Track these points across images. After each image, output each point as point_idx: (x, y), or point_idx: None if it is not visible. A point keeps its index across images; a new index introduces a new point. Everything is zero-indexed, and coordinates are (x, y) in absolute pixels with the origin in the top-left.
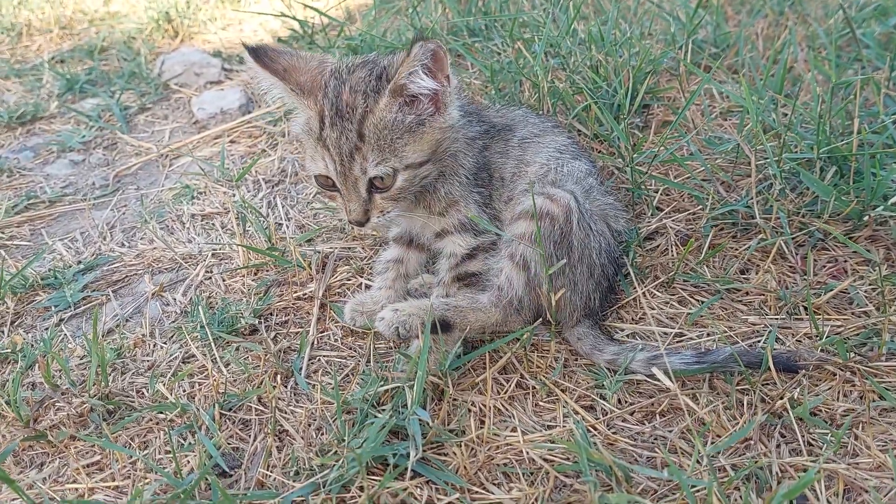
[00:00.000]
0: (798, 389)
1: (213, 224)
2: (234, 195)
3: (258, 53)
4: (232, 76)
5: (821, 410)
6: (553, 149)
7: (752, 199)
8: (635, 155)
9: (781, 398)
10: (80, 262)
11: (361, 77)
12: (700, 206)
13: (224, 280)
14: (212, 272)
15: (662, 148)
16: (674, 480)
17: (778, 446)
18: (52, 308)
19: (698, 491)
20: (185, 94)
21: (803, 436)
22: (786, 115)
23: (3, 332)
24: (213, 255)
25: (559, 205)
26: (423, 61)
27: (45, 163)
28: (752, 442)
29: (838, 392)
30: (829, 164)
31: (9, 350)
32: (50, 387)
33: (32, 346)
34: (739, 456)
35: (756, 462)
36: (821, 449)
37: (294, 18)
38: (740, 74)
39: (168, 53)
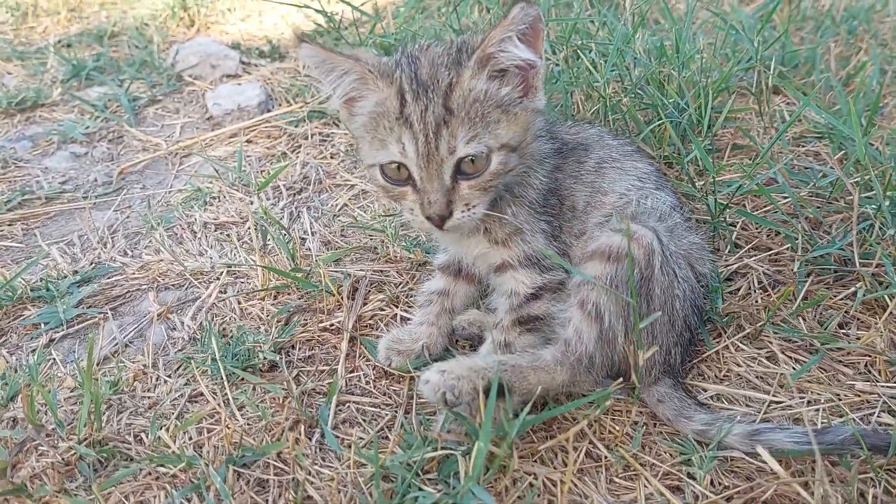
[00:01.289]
0: None
1: (228, 235)
2: (251, 202)
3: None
4: (250, 70)
5: None
6: (634, 176)
7: (851, 241)
8: (716, 181)
9: None
10: (76, 272)
11: (438, 52)
12: (786, 245)
13: (240, 303)
14: (226, 292)
15: (746, 178)
16: None
17: None
18: (42, 326)
19: None
20: (200, 86)
21: None
22: (871, 144)
23: None
24: (227, 272)
25: (640, 245)
26: (520, 27)
27: (43, 154)
28: None
29: None
30: None
31: None
32: (33, 426)
33: (16, 371)
34: None
35: None
36: None
37: (321, 12)
38: (823, 98)
39: (183, 43)
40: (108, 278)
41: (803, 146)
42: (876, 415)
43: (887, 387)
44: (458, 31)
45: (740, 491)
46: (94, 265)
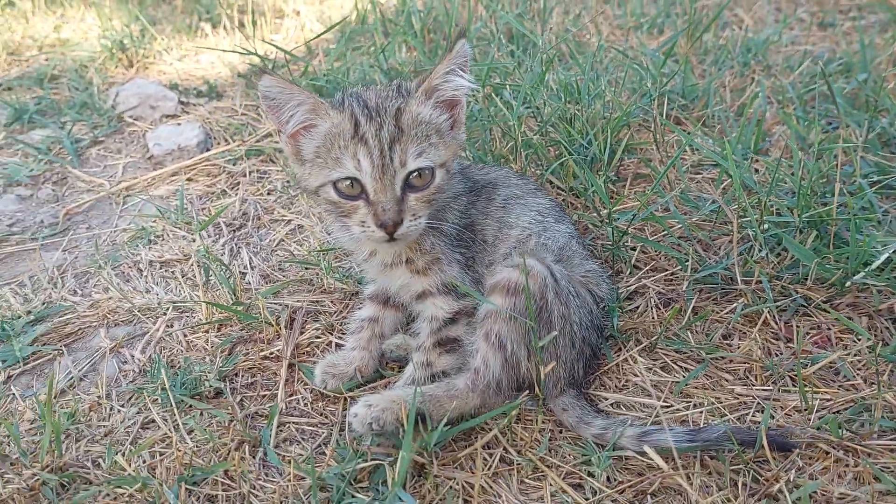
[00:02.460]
0: (793, 471)
1: (172, 272)
2: (194, 240)
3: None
4: (189, 110)
5: (817, 494)
6: (535, 211)
7: (733, 261)
8: (614, 212)
9: (777, 480)
10: (29, 312)
11: (380, 90)
12: (679, 266)
13: (185, 336)
14: (172, 326)
15: (642, 206)
16: None
17: None
18: (0, 364)
19: None
20: (140, 127)
21: None
22: (757, 171)
23: None
24: (173, 307)
25: (535, 279)
26: (462, 60)
27: None
28: None
29: (833, 474)
30: (809, 227)
31: None
32: None
33: None
34: None
35: None
36: None
37: (255, 54)
38: (713, 130)
39: (122, 84)
40: (61, 317)
41: (701, 174)
42: (750, 415)
43: (762, 390)
44: (387, 72)
45: (632, 485)
46: (45, 305)
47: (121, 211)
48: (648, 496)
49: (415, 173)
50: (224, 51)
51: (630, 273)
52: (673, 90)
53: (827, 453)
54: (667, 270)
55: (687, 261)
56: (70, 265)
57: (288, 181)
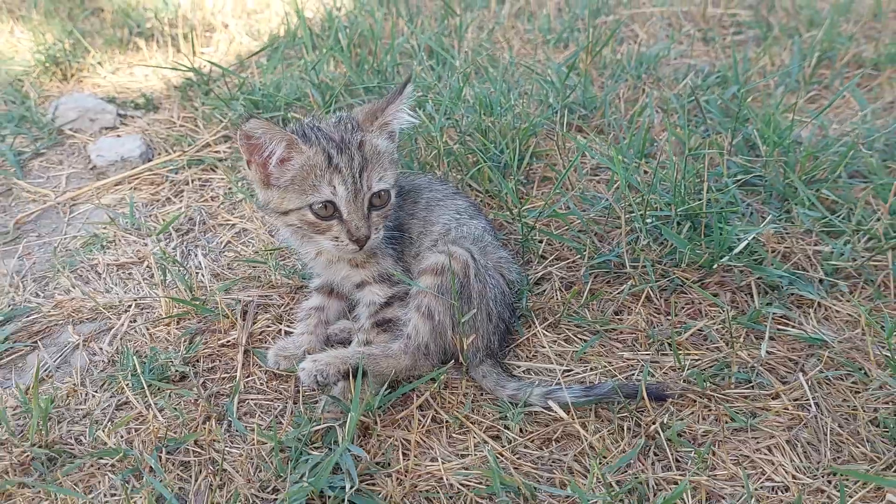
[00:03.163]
0: (667, 415)
1: (130, 274)
2: (146, 244)
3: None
4: (128, 122)
5: (685, 432)
6: (454, 211)
7: (622, 250)
8: (524, 209)
9: (654, 423)
10: None
11: (334, 123)
12: (578, 255)
13: (148, 329)
14: (136, 321)
15: (546, 205)
16: (573, 496)
17: (653, 464)
18: None
19: None
20: (80, 139)
21: (672, 454)
22: (646, 172)
23: None
24: (135, 304)
25: (458, 261)
26: (409, 100)
27: None
28: (632, 461)
29: (698, 416)
30: (684, 219)
31: None
32: None
33: None
34: (623, 473)
35: (636, 478)
36: (687, 465)
37: (191, 69)
38: (608, 136)
39: (59, 97)
40: (27, 317)
41: (598, 175)
42: (635, 375)
43: (645, 354)
44: (317, 85)
45: (540, 434)
46: (10, 307)
47: (69, 219)
48: (553, 442)
49: (377, 195)
50: (162, 67)
51: (538, 262)
52: (575, 101)
53: (694, 401)
54: (568, 259)
55: (585, 250)
56: (28, 270)
57: (230, 188)
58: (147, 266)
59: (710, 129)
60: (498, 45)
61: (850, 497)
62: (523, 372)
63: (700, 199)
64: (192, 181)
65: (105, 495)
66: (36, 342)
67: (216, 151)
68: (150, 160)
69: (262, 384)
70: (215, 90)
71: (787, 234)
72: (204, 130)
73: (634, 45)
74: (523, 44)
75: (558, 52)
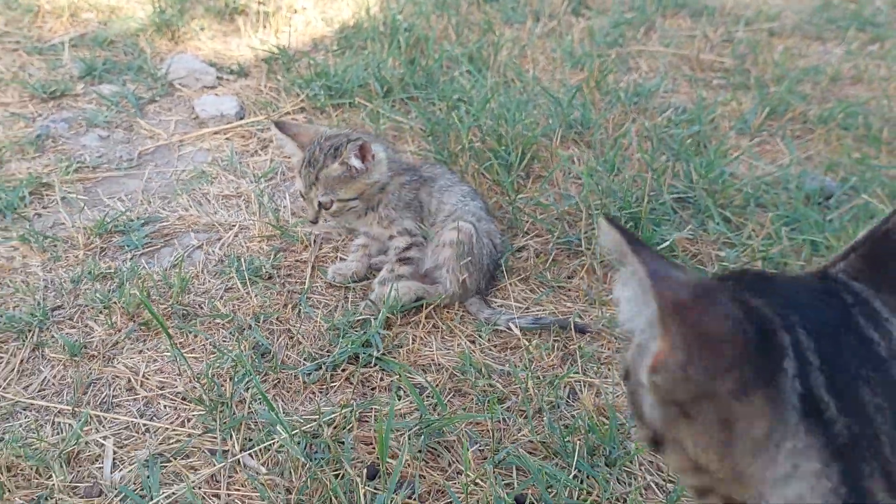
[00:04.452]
0: (584, 343)
1: (231, 202)
2: (240, 183)
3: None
4: (224, 84)
5: (594, 355)
6: (460, 194)
7: (581, 235)
8: (518, 198)
9: (575, 346)
10: (138, 218)
11: (328, 146)
12: (550, 234)
13: (246, 243)
14: (237, 236)
15: (533, 196)
16: (512, 373)
17: (567, 368)
18: (126, 247)
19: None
20: (186, 93)
21: (581, 366)
22: (615, 180)
23: (99, 260)
24: (238, 225)
25: (465, 233)
26: (354, 151)
27: (77, 134)
28: (554, 365)
29: (605, 346)
30: (630, 220)
31: (109, 272)
32: (143, 295)
33: (121, 271)
34: (546, 372)
35: (555, 375)
36: (588, 372)
37: (277, 48)
38: (595, 150)
39: (169, 55)
40: (160, 223)
41: (580, 179)
42: (572, 317)
43: (581, 305)
44: (378, 78)
45: (500, 344)
46: (147, 214)
47: (178, 156)
48: (508, 349)
49: (321, 203)
50: (256, 48)
51: (522, 235)
52: (575, 119)
53: (605, 338)
54: (543, 236)
55: (556, 231)
56: (154, 190)
57: None
58: (244, 199)
59: (670, 157)
60: (526, 60)
61: None
62: (498, 306)
63: (641, 207)
64: (275, 139)
65: (221, 339)
66: (167, 241)
67: (294, 118)
68: (242, 118)
69: (322, 290)
70: (295, 69)
71: (700, 240)
72: (286, 101)
73: (636, 76)
74: (547, 62)
75: (574, 74)
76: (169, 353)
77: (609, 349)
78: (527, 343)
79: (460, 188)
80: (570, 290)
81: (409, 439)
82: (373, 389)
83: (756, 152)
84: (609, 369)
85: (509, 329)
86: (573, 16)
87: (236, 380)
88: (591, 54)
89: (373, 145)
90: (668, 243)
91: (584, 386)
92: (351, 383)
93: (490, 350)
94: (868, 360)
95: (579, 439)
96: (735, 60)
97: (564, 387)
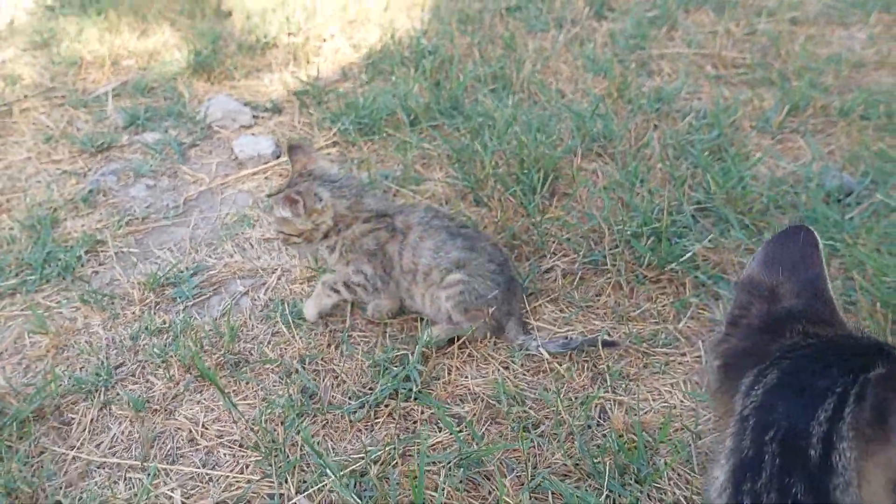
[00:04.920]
0: (612, 361)
1: (272, 245)
2: None
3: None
4: (260, 123)
5: (622, 371)
6: (433, 248)
7: (606, 253)
8: (544, 219)
9: (604, 365)
10: (187, 268)
11: (282, 186)
12: (576, 254)
13: (289, 285)
14: (280, 279)
15: (561, 214)
16: (542, 399)
17: (600, 387)
18: (178, 299)
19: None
20: (224, 135)
21: (610, 383)
22: (638, 193)
23: (154, 315)
24: (280, 269)
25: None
26: (280, 203)
27: (126, 185)
28: (586, 386)
29: (632, 363)
30: (651, 234)
31: (164, 326)
32: (197, 346)
33: (175, 324)
34: (580, 393)
35: (588, 396)
36: (618, 390)
37: (306, 81)
38: (618, 162)
39: (206, 97)
40: (208, 272)
41: (606, 193)
42: (601, 335)
43: (609, 322)
44: (405, 108)
45: (533, 368)
46: (195, 263)
47: (221, 199)
48: (541, 373)
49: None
50: (287, 82)
51: (549, 257)
52: (599, 132)
53: (632, 354)
54: (569, 256)
55: (581, 250)
56: (201, 238)
57: None
58: None
59: (690, 165)
60: (549, 71)
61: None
62: (530, 328)
63: (662, 220)
64: None
65: (271, 384)
66: (215, 289)
67: (328, 153)
68: (278, 157)
69: (362, 326)
70: (325, 101)
71: (723, 248)
72: (319, 135)
73: (658, 80)
74: (571, 72)
75: (597, 82)
76: (223, 403)
77: (636, 366)
78: (558, 366)
79: (435, 239)
80: (597, 308)
81: (451, 471)
82: (414, 423)
83: (778, 151)
84: (637, 385)
85: (540, 354)
86: (596, 19)
87: (286, 424)
88: (612, 60)
89: (319, 194)
90: (689, 255)
91: (615, 405)
92: (394, 418)
93: (524, 375)
94: None
95: (610, 459)
96: (757, 55)
97: (595, 407)
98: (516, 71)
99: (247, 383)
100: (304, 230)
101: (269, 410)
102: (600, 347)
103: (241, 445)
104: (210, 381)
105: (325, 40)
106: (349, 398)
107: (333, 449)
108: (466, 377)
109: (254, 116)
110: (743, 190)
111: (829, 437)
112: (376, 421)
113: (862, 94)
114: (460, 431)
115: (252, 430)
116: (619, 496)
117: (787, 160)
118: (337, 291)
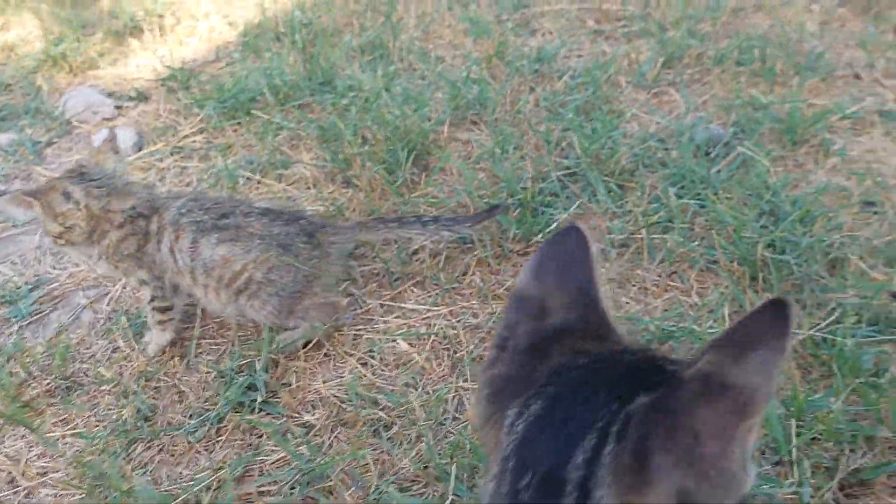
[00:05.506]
0: (472, 345)
1: None
2: None
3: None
4: (123, 113)
5: (482, 356)
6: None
7: (473, 230)
8: (411, 197)
9: (464, 351)
10: (27, 283)
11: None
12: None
13: (134, 293)
14: (126, 287)
15: (431, 189)
16: (399, 394)
17: (459, 376)
18: (13, 318)
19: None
20: (85, 129)
21: (471, 371)
22: (509, 161)
23: None
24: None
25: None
26: (12, 202)
27: None
28: (447, 376)
29: None
30: (518, 204)
31: None
32: (25, 373)
33: (5, 347)
34: (438, 385)
35: (446, 390)
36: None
37: (170, 68)
38: (493, 129)
39: (66, 90)
40: (49, 285)
41: (480, 163)
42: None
43: (475, 302)
44: (272, 87)
45: (397, 361)
46: (36, 277)
47: None
48: (400, 366)
49: None
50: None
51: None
52: (473, 97)
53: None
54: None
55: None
56: (46, 247)
57: (201, 178)
58: None
59: (565, 127)
60: (430, 38)
61: None
62: (397, 315)
63: (527, 189)
64: (172, 168)
65: (105, 409)
66: (56, 304)
67: (193, 141)
68: (140, 149)
69: (213, 332)
70: (193, 86)
71: (591, 214)
72: (185, 123)
73: (541, 38)
74: (453, 35)
75: (479, 46)
76: (52, 434)
77: None
78: (417, 356)
79: (188, 238)
80: (463, 288)
81: (292, 489)
82: (260, 437)
83: (654, 105)
84: None
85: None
86: None
87: (114, 455)
88: (494, 21)
89: (70, 193)
90: (555, 224)
91: (472, 394)
92: (238, 434)
93: (382, 371)
94: None
95: (459, 459)
96: (638, 6)
97: (453, 398)
98: (394, 38)
99: (77, 411)
100: (51, 231)
101: (95, 440)
102: (461, 333)
103: (65, 483)
104: (19, 422)
105: (198, 20)
106: (189, 416)
107: (169, 475)
108: (318, 380)
109: (117, 107)
110: (611, 150)
111: (584, 484)
112: (218, 439)
113: (738, 39)
114: (306, 443)
115: (75, 465)
116: (466, 499)
117: (662, 114)
118: (156, 310)
